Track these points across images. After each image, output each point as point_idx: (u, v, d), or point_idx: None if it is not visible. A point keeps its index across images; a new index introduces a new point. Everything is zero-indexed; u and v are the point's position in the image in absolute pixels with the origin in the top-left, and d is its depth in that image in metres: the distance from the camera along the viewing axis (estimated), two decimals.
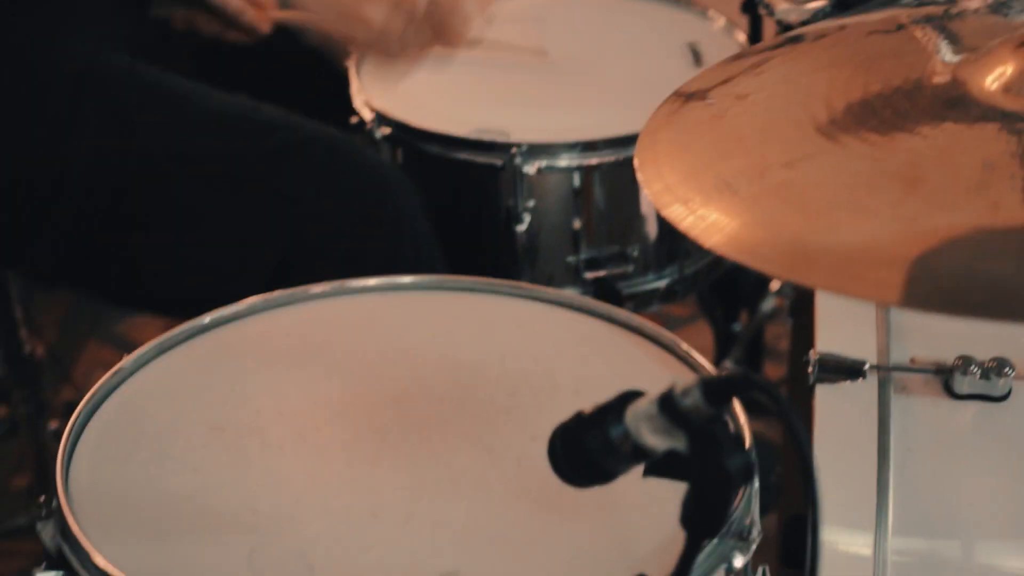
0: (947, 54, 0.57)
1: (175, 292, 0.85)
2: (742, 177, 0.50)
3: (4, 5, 0.86)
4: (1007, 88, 0.51)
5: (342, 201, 0.83)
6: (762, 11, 0.88)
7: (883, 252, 0.45)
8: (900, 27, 0.62)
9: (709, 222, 0.46)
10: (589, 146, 0.84)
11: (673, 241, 0.87)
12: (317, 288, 0.66)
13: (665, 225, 0.86)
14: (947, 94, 0.53)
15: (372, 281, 0.67)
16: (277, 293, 0.66)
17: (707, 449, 0.37)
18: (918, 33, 0.61)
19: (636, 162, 0.53)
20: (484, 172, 0.85)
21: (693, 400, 0.37)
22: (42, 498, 0.50)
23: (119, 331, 1.30)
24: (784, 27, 0.85)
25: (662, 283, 0.88)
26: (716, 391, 0.37)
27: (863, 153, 0.50)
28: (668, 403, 0.37)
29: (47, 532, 0.49)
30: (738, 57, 0.70)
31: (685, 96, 0.60)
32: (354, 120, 0.91)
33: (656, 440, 0.38)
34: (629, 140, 0.81)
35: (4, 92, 0.88)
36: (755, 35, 1.01)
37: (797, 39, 0.71)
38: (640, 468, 0.40)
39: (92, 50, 0.89)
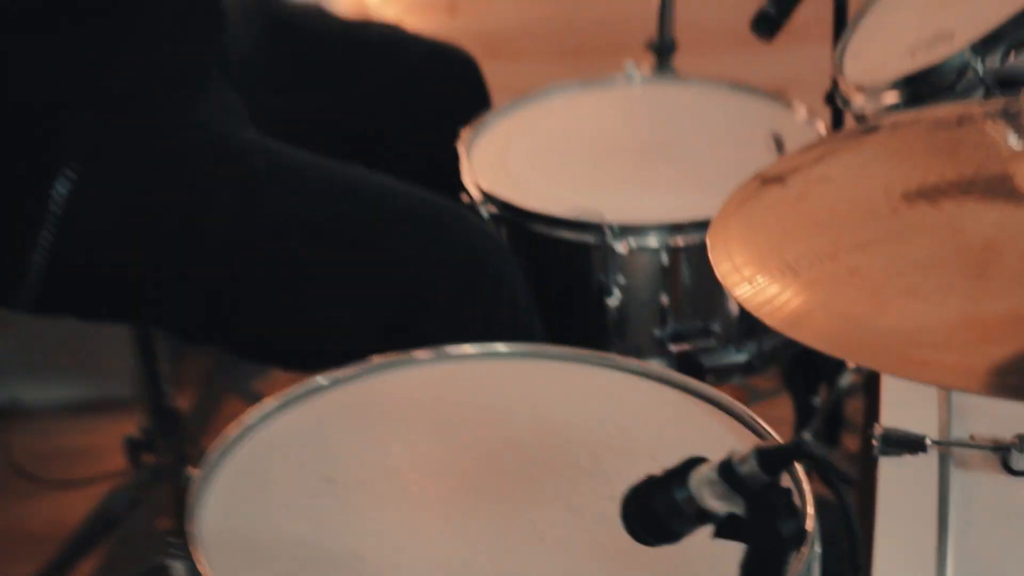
0: (1014, 143, 0.61)
1: (297, 346, 0.94)
2: (805, 259, 0.54)
3: (153, 90, 0.98)
4: None
5: (449, 266, 0.91)
6: (840, 103, 0.93)
7: (944, 336, 0.48)
8: (969, 119, 0.67)
9: (773, 302, 0.51)
10: (676, 228, 0.90)
11: (752, 318, 0.91)
12: (422, 354, 0.73)
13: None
14: (1012, 182, 0.57)
15: (472, 348, 0.74)
16: (385, 357, 0.73)
17: (763, 514, 0.42)
18: (987, 124, 0.65)
19: (708, 242, 0.58)
20: (579, 249, 0.92)
21: (750, 467, 0.41)
22: (175, 538, 0.58)
23: (256, 387, 1.39)
24: (861, 118, 0.89)
25: (742, 357, 0.92)
26: (771, 460, 0.41)
27: (929, 238, 0.54)
28: (727, 470, 0.42)
29: (178, 570, 0.56)
30: (816, 145, 0.75)
31: (762, 180, 0.66)
32: (464, 198, 0.99)
33: (717, 504, 0.42)
34: (702, 224, 0.87)
35: (149, 164, 0.99)
36: (836, 125, 1.06)
37: (873, 128, 0.76)
38: (709, 529, 0.44)
39: (228, 127, 1.00)
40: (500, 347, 0.74)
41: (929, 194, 0.58)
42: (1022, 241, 0.52)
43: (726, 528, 0.43)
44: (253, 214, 0.95)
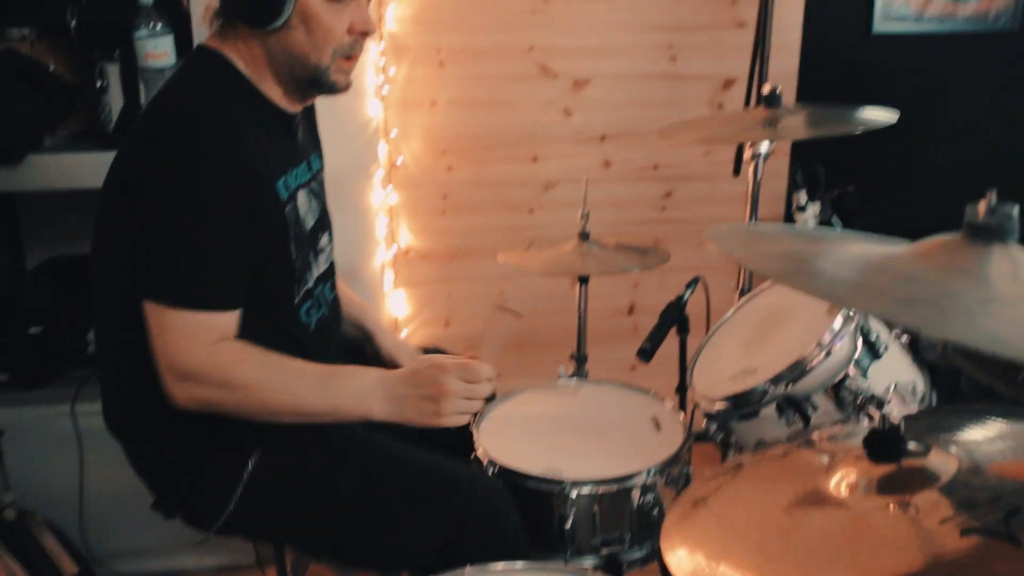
0: (823, 462, 1.04)
1: (385, 559, 1.50)
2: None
3: None
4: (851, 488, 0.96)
5: (480, 512, 1.45)
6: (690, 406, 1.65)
7: None
8: (791, 451, 1.10)
9: None
10: (603, 482, 1.54)
11: (647, 527, 1.57)
12: (469, 569, 1.25)
13: (645, 519, 1.56)
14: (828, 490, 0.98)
15: (500, 566, 1.26)
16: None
17: None
18: (801, 452, 1.11)
19: (663, 547, 0.97)
20: (546, 495, 1.53)
21: None
22: None
23: None
24: (708, 415, 1.60)
25: (643, 552, 1.57)
26: None
27: (814, 530, 0.94)
28: None
29: None
30: (714, 477, 1.12)
31: (692, 502, 1.07)
32: (473, 456, 1.63)
33: None
34: (622, 479, 1.53)
35: (306, 447, 1.47)
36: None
37: (739, 465, 1.14)
38: None
39: (353, 429, 1.51)
40: (518, 564, 1.28)
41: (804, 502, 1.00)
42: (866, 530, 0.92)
43: None
44: (370, 482, 1.47)
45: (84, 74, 2.29)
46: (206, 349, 1.36)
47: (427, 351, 1.82)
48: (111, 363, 1.55)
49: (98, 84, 2.26)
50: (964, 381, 1.71)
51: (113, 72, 2.28)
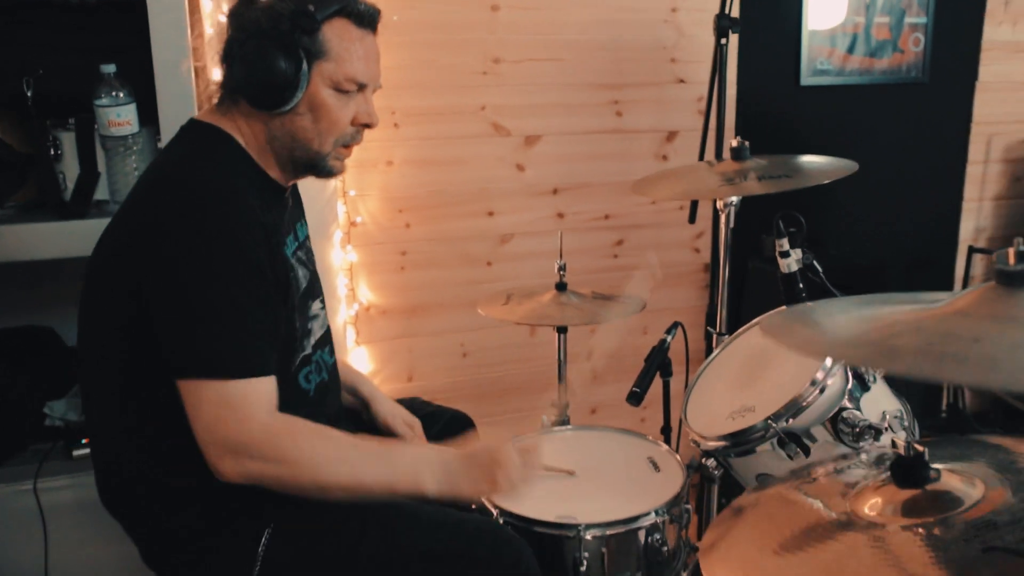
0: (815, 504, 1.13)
1: None
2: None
3: None
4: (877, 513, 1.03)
5: (500, 562, 1.47)
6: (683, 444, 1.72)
7: None
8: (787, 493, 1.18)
9: None
10: (611, 524, 1.60)
11: (652, 562, 1.61)
12: None
13: (654, 557, 1.61)
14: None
15: None
16: None
17: None
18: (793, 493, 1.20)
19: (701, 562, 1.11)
20: (559, 539, 1.58)
21: None
22: None
23: None
24: (707, 453, 1.66)
25: None
26: None
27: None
28: None
29: None
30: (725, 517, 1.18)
31: (733, 510, 1.17)
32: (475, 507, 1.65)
33: None
34: (631, 519, 1.58)
35: (320, 515, 1.42)
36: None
37: (740, 510, 1.19)
38: None
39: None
40: None
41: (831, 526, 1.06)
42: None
43: None
44: (391, 545, 1.45)
45: (36, 143, 2.24)
46: (260, 420, 1.32)
47: (402, 400, 1.85)
48: (107, 442, 1.50)
49: (52, 153, 2.22)
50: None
51: (68, 140, 2.24)
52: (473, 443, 1.49)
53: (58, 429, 2.28)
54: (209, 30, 2.24)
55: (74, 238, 2.11)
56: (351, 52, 1.45)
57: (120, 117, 2.11)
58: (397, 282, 2.81)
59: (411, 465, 1.43)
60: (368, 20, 1.48)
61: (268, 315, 1.39)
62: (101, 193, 2.20)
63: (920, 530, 1.03)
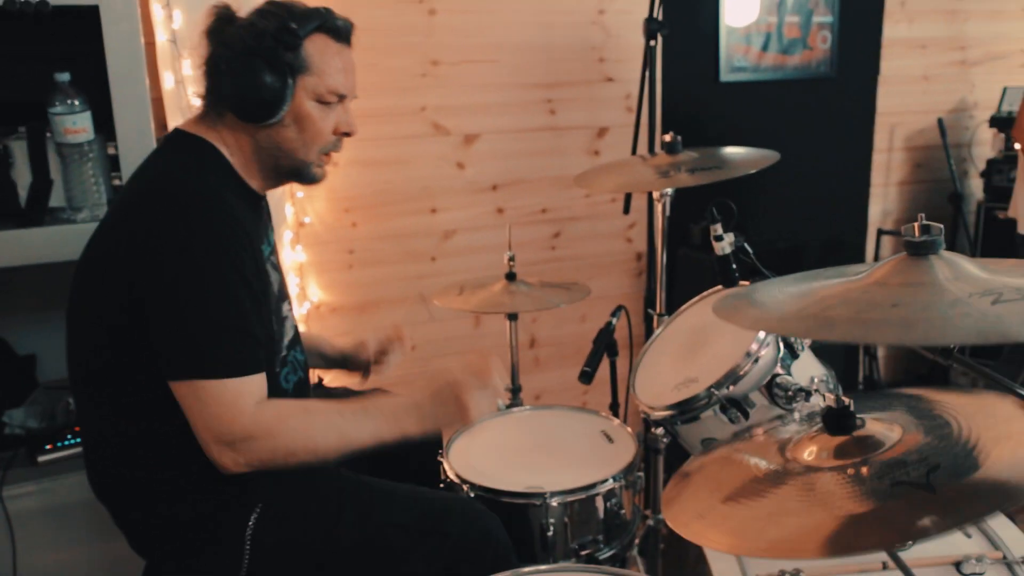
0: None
1: None
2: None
3: None
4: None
5: (474, 534, 1.57)
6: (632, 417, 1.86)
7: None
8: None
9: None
10: (570, 492, 1.73)
11: (614, 526, 1.76)
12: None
13: (613, 521, 1.75)
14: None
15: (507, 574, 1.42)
16: None
17: None
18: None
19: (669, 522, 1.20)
20: (525, 508, 1.70)
21: None
22: None
23: None
24: (655, 422, 1.82)
25: (612, 551, 1.75)
26: None
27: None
28: None
29: None
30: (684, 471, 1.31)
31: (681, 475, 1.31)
32: (445, 482, 1.76)
33: None
34: (591, 486, 1.72)
35: (303, 497, 1.53)
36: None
37: (687, 474, 1.32)
38: None
39: (341, 472, 1.60)
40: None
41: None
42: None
43: None
44: (368, 521, 1.55)
45: None
46: (250, 413, 1.40)
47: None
48: (97, 437, 1.56)
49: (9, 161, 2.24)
50: None
51: (19, 148, 2.26)
52: (436, 380, 1.57)
53: (19, 437, 2.30)
54: (161, 37, 2.30)
55: (31, 246, 2.14)
56: (331, 66, 1.54)
57: (76, 125, 2.15)
58: (345, 280, 2.89)
59: (391, 415, 1.51)
60: (344, 35, 1.58)
61: (255, 318, 1.47)
62: (56, 200, 2.23)
63: (849, 471, 1.18)
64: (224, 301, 1.41)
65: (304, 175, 1.61)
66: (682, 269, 3.11)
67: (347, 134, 1.63)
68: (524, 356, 3.14)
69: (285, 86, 1.50)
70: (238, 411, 1.39)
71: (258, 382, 1.45)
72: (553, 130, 3.06)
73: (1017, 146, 3.14)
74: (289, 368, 1.66)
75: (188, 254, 1.40)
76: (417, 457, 1.85)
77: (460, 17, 2.87)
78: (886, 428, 1.27)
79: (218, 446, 1.40)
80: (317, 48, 1.53)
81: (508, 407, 2.16)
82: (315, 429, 1.46)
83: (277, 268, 1.71)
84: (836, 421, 1.28)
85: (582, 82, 3.06)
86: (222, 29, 1.51)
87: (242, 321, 1.44)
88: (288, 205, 2.72)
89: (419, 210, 2.94)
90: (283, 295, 1.71)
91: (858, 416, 1.28)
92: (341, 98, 1.59)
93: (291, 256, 2.72)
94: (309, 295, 2.83)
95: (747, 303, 1.25)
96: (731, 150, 2.18)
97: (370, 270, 2.91)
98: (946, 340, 0.95)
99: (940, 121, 3.58)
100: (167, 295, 1.40)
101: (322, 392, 1.99)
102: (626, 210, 2.75)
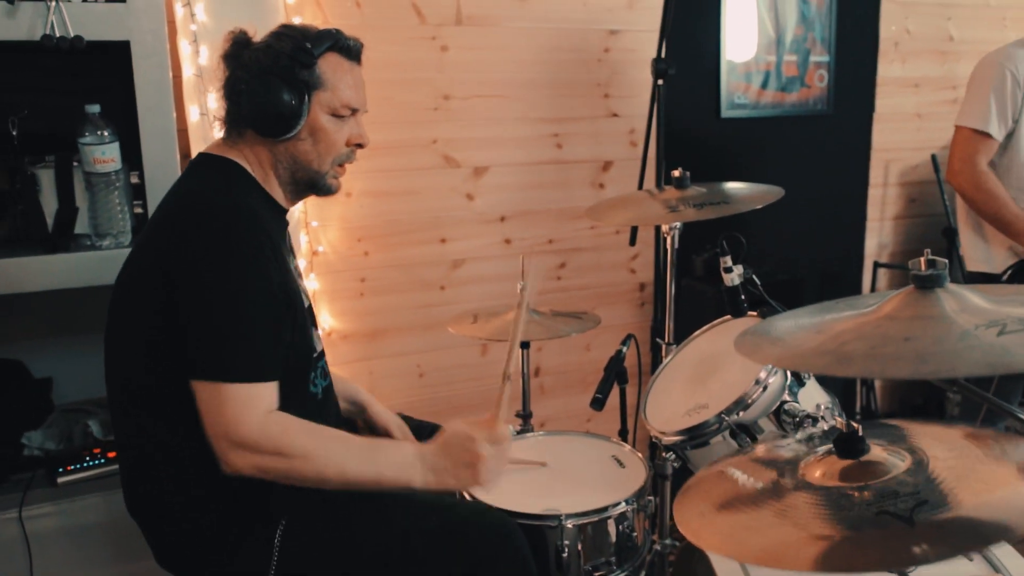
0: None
1: None
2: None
3: None
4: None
5: (493, 541, 1.63)
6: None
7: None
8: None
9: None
10: (585, 514, 1.79)
11: (625, 551, 1.81)
12: None
13: (625, 543, 1.80)
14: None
15: None
16: None
17: None
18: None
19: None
20: (541, 529, 1.75)
21: None
22: None
23: None
24: (666, 447, 1.88)
25: (626, 572, 1.80)
26: None
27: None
28: None
29: None
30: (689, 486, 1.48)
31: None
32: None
33: None
34: (605, 508, 1.78)
35: (323, 508, 1.58)
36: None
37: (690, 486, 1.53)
38: None
39: None
40: None
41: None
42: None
43: None
44: (389, 529, 1.61)
45: (16, 180, 2.32)
46: (258, 419, 1.46)
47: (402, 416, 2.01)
48: (134, 452, 1.63)
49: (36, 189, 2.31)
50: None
51: (46, 177, 2.33)
52: (450, 439, 1.62)
53: (38, 458, 2.35)
54: (188, 72, 2.38)
55: (57, 271, 2.21)
56: (344, 82, 1.65)
57: (105, 155, 2.22)
58: (357, 308, 2.96)
59: (397, 462, 1.57)
60: (355, 53, 1.70)
61: (276, 327, 1.55)
62: (81, 227, 2.29)
63: (855, 493, 1.23)
64: (247, 307, 1.49)
65: (320, 186, 1.71)
66: (685, 299, 3.18)
67: (360, 145, 1.73)
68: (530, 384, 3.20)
69: (302, 102, 1.60)
70: (248, 415, 1.46)
71: (269, 390, 1.52)
72: (560, 163, 3.14)
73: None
74: (319, 373, 1.74)
75: (217, 262, 1.49)
76: None
77: (471, 54, 2.96)
78: (892, 455, 1.33)
79: (224, 444, 1.47)
80: (330, 66, 1.64)
81: (519, 432, 2.22)
82: (318, 452, 1.52)
83: (300, 280, 1.78)
84: (846, 445, 1.34)
85: (587, 117, 3.15)
86: (239, 53, 1.62)
87: (264, 328, 1.51)
88: (303, 234, 2.79)
89: (429, 240, 3.01)
90: (310, 308, 1.79)
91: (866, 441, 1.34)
92: (353, 111, 1.70)
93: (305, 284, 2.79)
94: (321, 323, 2.89)
95: (767, 339, 1.31)
96: (736, 185, 2.26)
97: (381, 298, 2.98)
98: (958, 373, 1.01)
99: (934, 157, 3.68)
100: (195, 299, 1.49)
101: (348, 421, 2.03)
102: (632, 242, 2.83)
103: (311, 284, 2.83)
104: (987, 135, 2.69)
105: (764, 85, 3.42)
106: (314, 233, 2.85)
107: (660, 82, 2.59)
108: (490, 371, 3.10)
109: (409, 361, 3.04)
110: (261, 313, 1.52)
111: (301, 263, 2.76)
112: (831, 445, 1.34)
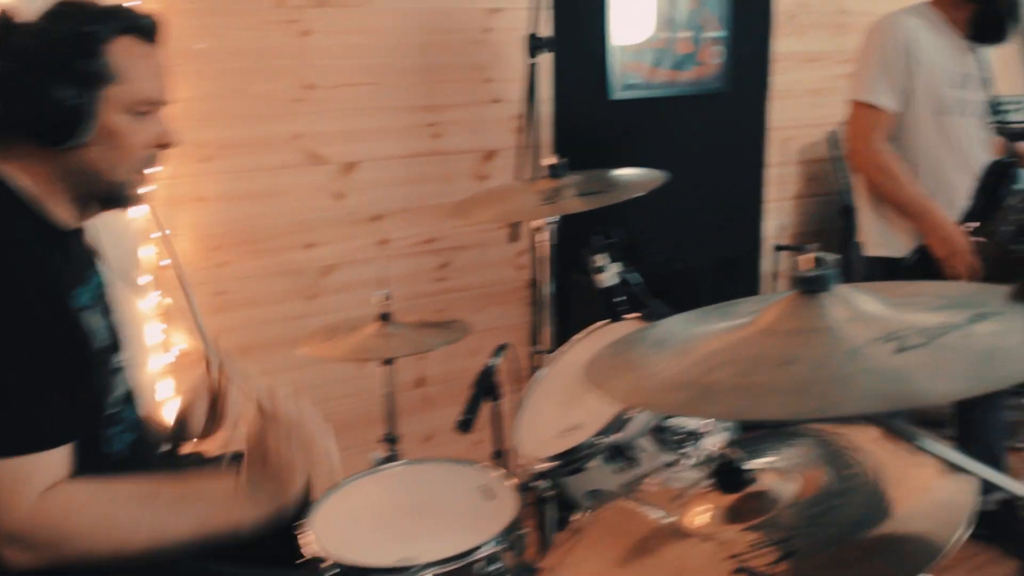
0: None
1: None
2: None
3: None
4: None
5: None
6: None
7: None
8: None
9: None
10: (446, 561, 1.55)
11: None
12: None
13: None
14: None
15: None
16: None
17: None
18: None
19: None
20: None
21: None
22: None
23: None
24: (538, 475, 1.66)
25: None
26: None
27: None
28: None
29: None
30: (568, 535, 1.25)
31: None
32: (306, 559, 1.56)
33: None
34: (468, 552, 1.54)
35: None
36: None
37: (578, 529, 1.22)
38: None
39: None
40: None
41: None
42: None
43: None
44: None
45: None
46: (28, 503, 1.20)
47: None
48: None
49: None
50: None
51: None
52: (257, 456, 1.36)
53: None
54: None
55: None
56: (141, 71, 1.37)
57: None
58: (216, 325, 2.63)
59: (218, 503, 1.33)
60: (151, 33, 1.40)
61: (50, 379, 1.27)
62: None
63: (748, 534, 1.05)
64: (6, 364, 1.22)
65: (120, 197, 1.42)
66: (576, 296, 2.97)
67: (165, 146, 1.44)
68: (411, 397, 2.96)
69: (88, 101, 1.30)
70: (17, 499, 1.19)
71: (53, 460, 1.24)
72: (438, 155, 2.90)
73: None
74: (123, 426, 1.46)
75: None
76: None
77: (336, 38, 2.70)
78: (782, 479, 1.14)
79: None
80: (123, 52, 1.34)
81: (383, 461, 1.97)
82: (118, 522, 1.26)
83: (105, 313, 1.50)
84: (727, 480, 1.14)
85: (467, 103, 2.91)
86: (3, 40, 1.30)
87: (25, 388, 1.23)
88: (149, 245, 2.48)
89: (294, 245, 2.74)
90: (115, 345, 1.50)
91: (751, 469, 1.14)
92: (155, 106, 1.40)
93: (151, 301, 2.49)
94: (173, 344, 2.59)
95: (623, 364, 1.09)
96: (620, 172, 2.06)
97: (243, 312, 2.69)
98: (842, 410, 0.79)
99: (832, 134, 3.56)
100: None
101: (171, 461, 1.76)
102: (513, 238, 2.60)
103: (157, 302, 2.53)
104: (878, 108, 2.52)
105: (657, 63, 3.23)
106: (158, 244, 2.54)
107: (535, 61, 2.36)
108: (367, 385, 2.82)
109: (279, 380, 2.75)
110: (19, 364, 1.24)
111: (145, 279, 2.46)
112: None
